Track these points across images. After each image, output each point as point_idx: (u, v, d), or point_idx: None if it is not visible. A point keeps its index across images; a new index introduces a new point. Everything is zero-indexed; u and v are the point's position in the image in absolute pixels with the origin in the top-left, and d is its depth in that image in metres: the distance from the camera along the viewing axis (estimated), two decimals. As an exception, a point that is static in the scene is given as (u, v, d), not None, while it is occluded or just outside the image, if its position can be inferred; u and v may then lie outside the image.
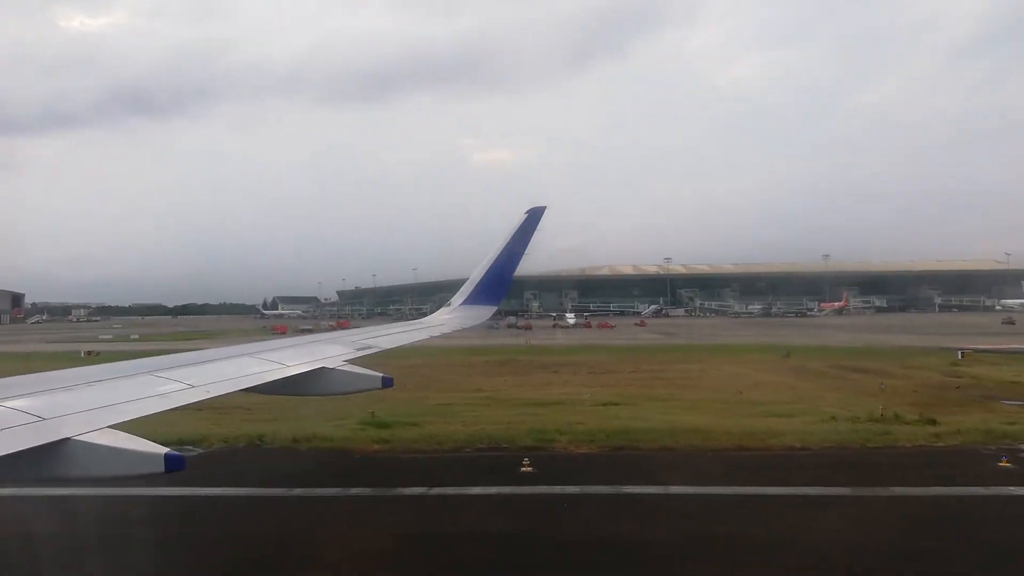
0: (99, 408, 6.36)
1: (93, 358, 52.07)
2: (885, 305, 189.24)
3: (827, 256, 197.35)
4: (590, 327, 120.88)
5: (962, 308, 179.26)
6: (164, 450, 5.67)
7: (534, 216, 18.69)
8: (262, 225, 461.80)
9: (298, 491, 17.03)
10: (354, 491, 16.89)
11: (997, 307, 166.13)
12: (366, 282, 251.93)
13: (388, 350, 13.27)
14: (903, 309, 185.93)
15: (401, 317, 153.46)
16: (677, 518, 14.60)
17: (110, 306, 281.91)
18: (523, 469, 17.97)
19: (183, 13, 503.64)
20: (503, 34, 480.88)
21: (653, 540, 13.27)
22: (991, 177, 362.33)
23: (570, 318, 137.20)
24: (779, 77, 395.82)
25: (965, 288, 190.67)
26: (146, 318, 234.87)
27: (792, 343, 65.84)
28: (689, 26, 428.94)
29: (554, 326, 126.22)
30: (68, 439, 5.46)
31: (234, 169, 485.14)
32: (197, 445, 21.39)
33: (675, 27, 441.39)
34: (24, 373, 7.49)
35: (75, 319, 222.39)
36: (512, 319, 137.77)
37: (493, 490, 16.70)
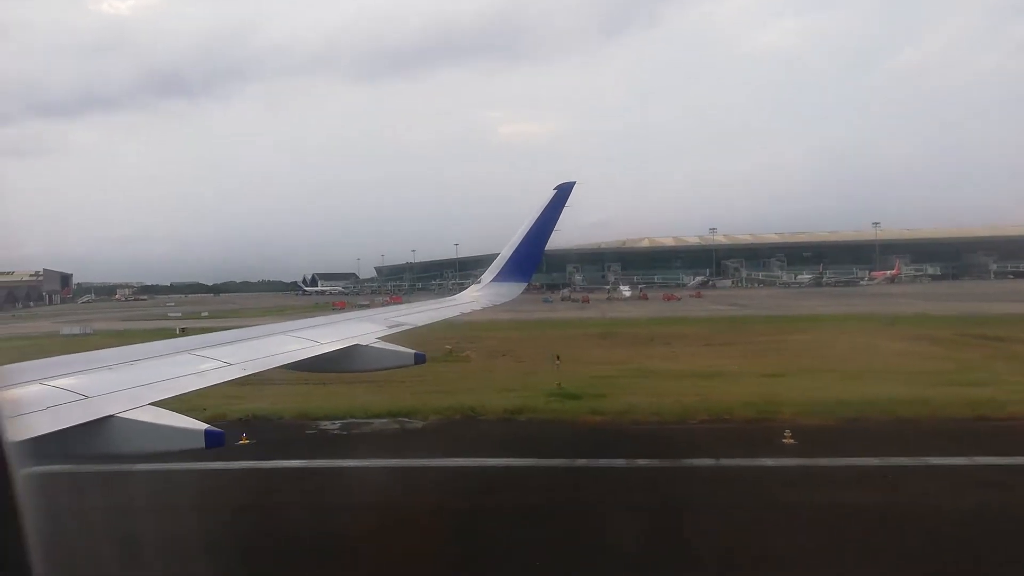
0: (140, 386, 6.52)
1: (183, 335, 53.70)
2: (939, 273, 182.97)
3: (878, 224, 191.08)
4: (646, 298, 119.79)
5: (1018, 275, 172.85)
6: (204, 426, 5.84)
7: (563, 192, 18.61)
8: (295, 202, 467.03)
9: (581, 462, 17.54)
10: (641, 462, 17.21)
11: None
12: (402, 257, 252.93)
13: (435, 323, 13.58)
14: (956, 277, 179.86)
15: (443, 292, 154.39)
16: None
17: (152, 285, 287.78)
18: (785, 440, 18.35)
19: None
20: (534, 5, 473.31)
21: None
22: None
23: (625, 290, 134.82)
24: (815, 40, 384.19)
25: (1017, 254, 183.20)
26: (189, 296, 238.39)
27: (871, 311, 65.37)
28: None
29: (608, 298, 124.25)
30: (112, 416, 5.64)
31: (267, 148, 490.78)
32: (412, 417, 23.05)
33: None
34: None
35: (123, 298, 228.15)
36: (565, 292, 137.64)
37: (790, 462, 16.86)
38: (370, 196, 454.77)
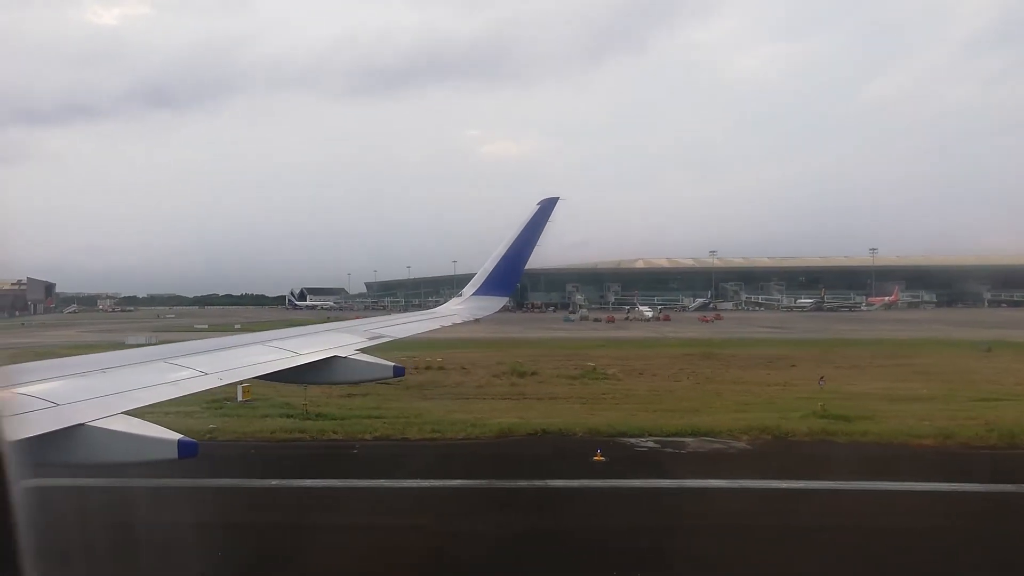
0: (113, 394, 6.33)
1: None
2: (934, 300, 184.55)
3: (875, 250, 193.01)
4: (668, 319, 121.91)
5: (1011, 304, 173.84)
6: (177, 436, 5.68)
7: (547, 207, 18.56)
8: (281, 216, 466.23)
9: (975, 486, 18.93)
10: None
11: None
12: (394, 273, 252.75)
13: (425, 335, 13.73)
14: (950, 304, 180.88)
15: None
16: None
17: (133, 296, 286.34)
18: None
19: (205, 7, 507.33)
20: (522, 29, 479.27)
21: None
22: (1009, 170, 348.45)
23: (647, 311, 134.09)
24: (795, 68, 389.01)
25: (1009, 283, 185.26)
26: (173, 308, 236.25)
27: (943, 336, 68.02)
28: (704, 20, 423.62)
29: (627, 318, 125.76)
30: (82, 424, 5.49)
31: (252, 162, 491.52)
32: (717, 436, 24.82)
33: (691, 21, 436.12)
34: None
35: (107, 309, 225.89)
36: (584, 311, 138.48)
37: None
38: (355, 212, 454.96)
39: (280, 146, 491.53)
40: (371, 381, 10.27)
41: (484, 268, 19.16)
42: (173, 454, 5.63)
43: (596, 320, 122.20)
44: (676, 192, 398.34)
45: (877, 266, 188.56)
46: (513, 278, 19.09)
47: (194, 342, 9.42)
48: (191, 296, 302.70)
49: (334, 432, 26.18)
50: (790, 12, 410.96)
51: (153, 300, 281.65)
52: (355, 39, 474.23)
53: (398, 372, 9.47)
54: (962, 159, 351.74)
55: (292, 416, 28.64)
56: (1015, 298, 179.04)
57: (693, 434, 25.26)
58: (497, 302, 18.69)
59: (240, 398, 31.72)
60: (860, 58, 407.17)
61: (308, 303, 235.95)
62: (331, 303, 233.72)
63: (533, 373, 42.31)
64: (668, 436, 25.03)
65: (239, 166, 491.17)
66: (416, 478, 20.35)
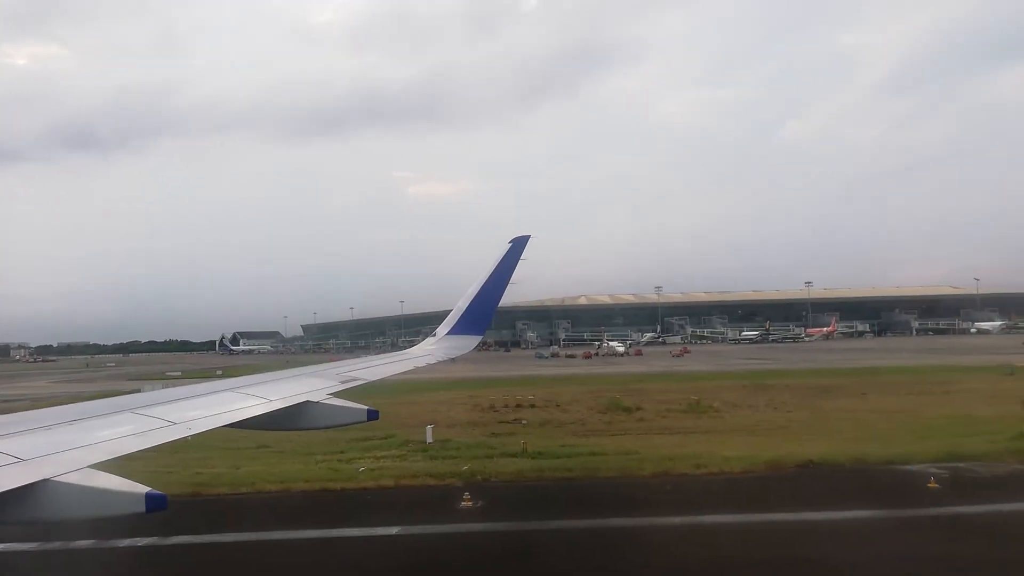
0: (79, 448, 6.18)
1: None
2: (867, 329, 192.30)
3: (810, 283, 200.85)
4: (641, 354, 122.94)
5: (937, 331, 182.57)
6: (145, 489, 5.52)
7: (518, 245, 18.72)
8: (206, 261, 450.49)
9: None
10: None
11: (972, 330, 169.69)
12: (335, 315, 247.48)
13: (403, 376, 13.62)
14: (881, 333, 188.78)
15: (385, 350, 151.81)
16: None
17: (48, 345, 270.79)
18: None
19: (132, 50, 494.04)
20: (457, 75, 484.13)
21: None
22: (915, 207, 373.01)
23: (618, 346, 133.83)
24: (716, 111, 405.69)
25: (932, 313, 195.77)
26: (95, 357, 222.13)
27: (947, 363, 68.94)
28: (635, 67, 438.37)
29: (596, 354, 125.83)
30: (47, 480, 5.34)
31: (181, 204, 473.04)
32: (978, 461, 24.66)
33: (622, 68, 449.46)
34: None
35: (24, 359, 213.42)
36: (555, 348, 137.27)
37: None
38: (289, 254, 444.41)
39: (211, 189, 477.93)
40: (343, 426, 10.09)
41: (457, 307, 19.07)
42: (141, 508, 5.48)
43: (570, 356, 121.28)
44: (610, 230, 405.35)
45: (810, 299, 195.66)
46: (486, 317, 19.04)
47: (162, 391, 9.35)
48: (110, 344, 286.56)
49: (575, 470, 25.37)
50: (710, 60, 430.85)
51: (70, 349, 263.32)
52: (292, 83, 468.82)
53: (371, 416, 9.33)
54: (872, 197, 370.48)
55: (513, 455, 27.96)
56: (940, 326, 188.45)
57: (952, 459, 24.97)
58: (471, 341, 18.60)
59: (429, 439, 31.07)
60: (776, 101, 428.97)
61: (243, 347, 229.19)
62: (268, 347, 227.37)
63: (638, 408, 41.34)
64: (934, 462, 24.59)
65: (167, 209, 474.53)
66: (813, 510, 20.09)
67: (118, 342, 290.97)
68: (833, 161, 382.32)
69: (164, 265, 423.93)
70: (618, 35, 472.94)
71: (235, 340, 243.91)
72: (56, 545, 17.33)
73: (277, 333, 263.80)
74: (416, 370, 14.82)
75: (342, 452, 29.43)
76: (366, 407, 9.41)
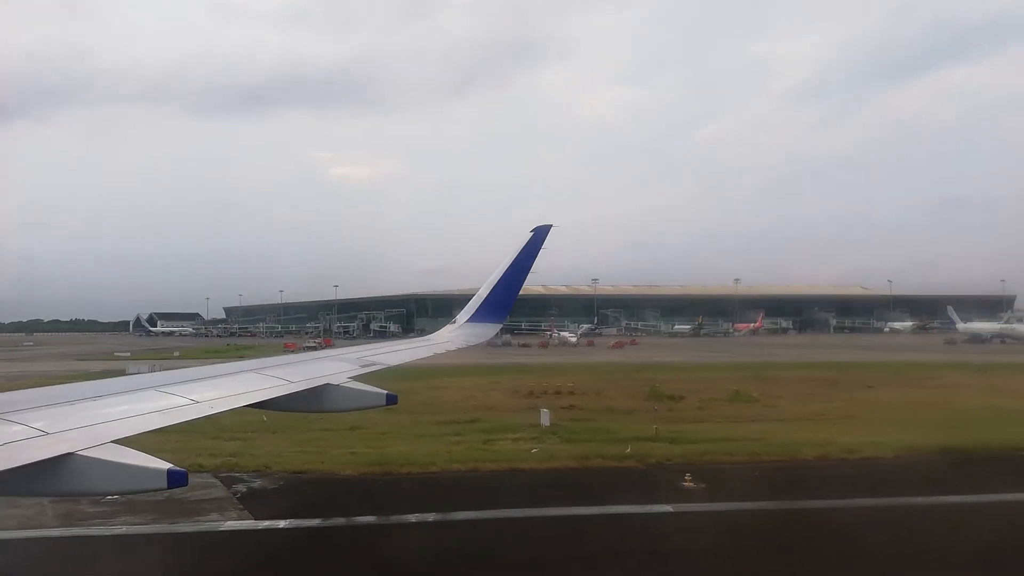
0: (102, 423, 6.27)
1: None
2: (790, 326, 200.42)
3: (738, 280, 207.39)
4: (592, 344, 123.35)
5: (852, 330, 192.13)
6: (167, 466, 5.60)
7: (540, 234, 18.61)
8: (115, 238, 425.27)
9: None
10: None
11: (885, 329, 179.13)
12: (263, 297, 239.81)
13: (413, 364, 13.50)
14: (802, 330, 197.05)
15: (317, 336, 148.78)
16: None
17: None
18: None
19: (41, 12, 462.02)
20: (387, 59, 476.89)
21: None
22: (826, 210, 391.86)
23: (571, 337, 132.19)
24: (637, 110, 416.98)
25: (848, 311, 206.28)
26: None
27: (920, 360, 69.11)
28: (565, 62, 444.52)
29: (545, 343, 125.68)
30: (71, 454, 5.42)
31: (86, 177, 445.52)
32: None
33: (554, 64, 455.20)
34: None
35: None
36: (507, 337, 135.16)
37: None
38: (205, 233, 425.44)
39: (121, 163, 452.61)
40: (363, 409, 10.19)
41: (478, 295, 19.02)
42: (162, 484, 5.61)
43: (523, 345, 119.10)
44: (532, 222, 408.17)
45: (737, 295, 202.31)
46: (507, 305, 19.02)
47: (186, 370, 9.46)
48: (7, 323, 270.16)
49: (736, 454, 24.29)
50: (633, 60, 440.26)
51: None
52: (211, 55, 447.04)
53: (391, 400, 9.44)
54: (785, 199, 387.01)
55: (650, 440, 26.36)
56: (856, 324, 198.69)
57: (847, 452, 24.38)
58: (491, 328, 18.63)
59: (546, 423, 29.73)
60: (695, 103, 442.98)
61: (162, 328, 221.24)
62: (190, 329, 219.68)
63: (682, 397, 39.81)
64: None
65: (69, 181, 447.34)
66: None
67: (16, 320, 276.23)
68: (746, 164, 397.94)
69: (64, 240, 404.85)
70: (548, 30, 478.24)
71: (152, 320, 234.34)
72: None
73: (197, 315, 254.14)
74: (434, 356, 14.69)
75: (458, 435, 28.04)
76: (385, 391, 9.55)
